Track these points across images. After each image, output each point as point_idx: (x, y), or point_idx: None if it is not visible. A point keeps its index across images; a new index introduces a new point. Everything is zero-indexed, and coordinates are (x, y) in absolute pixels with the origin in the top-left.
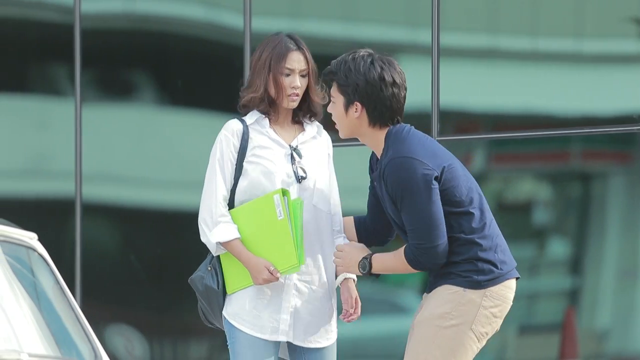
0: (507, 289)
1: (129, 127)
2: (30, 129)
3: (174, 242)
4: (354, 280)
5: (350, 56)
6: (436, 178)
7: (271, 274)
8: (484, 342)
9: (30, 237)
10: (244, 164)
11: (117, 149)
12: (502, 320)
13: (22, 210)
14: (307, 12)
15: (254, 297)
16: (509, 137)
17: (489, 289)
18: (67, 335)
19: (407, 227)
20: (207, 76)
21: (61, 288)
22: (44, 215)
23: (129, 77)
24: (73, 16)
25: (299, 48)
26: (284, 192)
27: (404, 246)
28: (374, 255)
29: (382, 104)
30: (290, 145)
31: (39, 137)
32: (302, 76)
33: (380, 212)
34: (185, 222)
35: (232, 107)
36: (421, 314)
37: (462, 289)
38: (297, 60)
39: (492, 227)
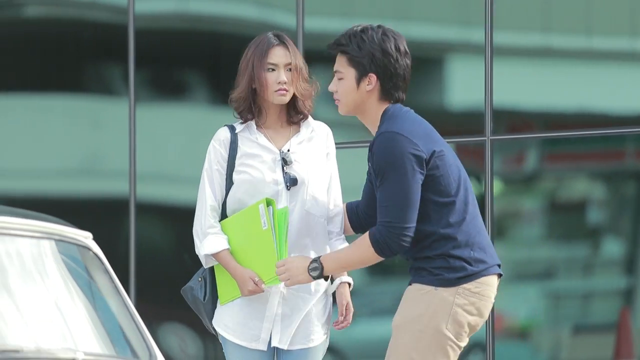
0: (484, 286)
1: (182, 127)
2: (84, 129)
3: None
4: (349, 284)
5: (360, 28)
6: (423, 160)
7: (256, 284)
8: (465, 341)
9: (85, 237)
10: (233, 173)
11: (171, 149)
12: (483, 318)
13: (76, 209)
14: (360, 11)
15: (241, 306)
16: (563, 137)
17: (461, 286)
18: (121, 334)
19: (381, 203)
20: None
21: (116, 287)
22: (99, 215)
23: (182, 77)
24: (127, 16)
25: (282, 43)
26: (269, 202)
27: (365, 234)
28: (323, 256)
29: (397, 75)
30: (280, 151)
31: (93, 137)
32: (289, 70)
33: (374, 197)
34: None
35: None
36: (396, 317)
37: (433, 287)
38: (279, 55)
39: (474, 223)
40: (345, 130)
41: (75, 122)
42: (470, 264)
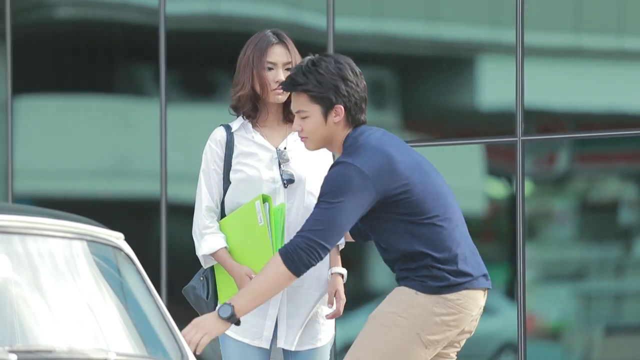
0: (466, 298)
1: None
2: (116, 130)
3: None
4: (342, 275)
5: (311, 62)
6: (372, 196)
7: None
8: (434, 350)
9: (116, 237)
10: (230, 173)
11: (202, 149)
12: (459, 330)
13: (108, 210)
14: (390, 12)
15: None
16: (594, 137)
17: (443, 295)
18: (153, 335)
19: (312, 215)
20: None
21: (147, 287)
22: (130, 215)
23: (213, 78)
24: (158, 17)
25: (281, 41)
26: (265, 198)
27: (274, 256)
28: (231, 298)
29: (361, 99)
30: (277, 149)
31: (124, 138)
32: (287, 69)
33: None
34: None
35: None
36: (373, 311)
37: (414, 291)
38: (278, 54)
39: (453, 237)
40: None
41: (107, 122)
42: (453, 275)
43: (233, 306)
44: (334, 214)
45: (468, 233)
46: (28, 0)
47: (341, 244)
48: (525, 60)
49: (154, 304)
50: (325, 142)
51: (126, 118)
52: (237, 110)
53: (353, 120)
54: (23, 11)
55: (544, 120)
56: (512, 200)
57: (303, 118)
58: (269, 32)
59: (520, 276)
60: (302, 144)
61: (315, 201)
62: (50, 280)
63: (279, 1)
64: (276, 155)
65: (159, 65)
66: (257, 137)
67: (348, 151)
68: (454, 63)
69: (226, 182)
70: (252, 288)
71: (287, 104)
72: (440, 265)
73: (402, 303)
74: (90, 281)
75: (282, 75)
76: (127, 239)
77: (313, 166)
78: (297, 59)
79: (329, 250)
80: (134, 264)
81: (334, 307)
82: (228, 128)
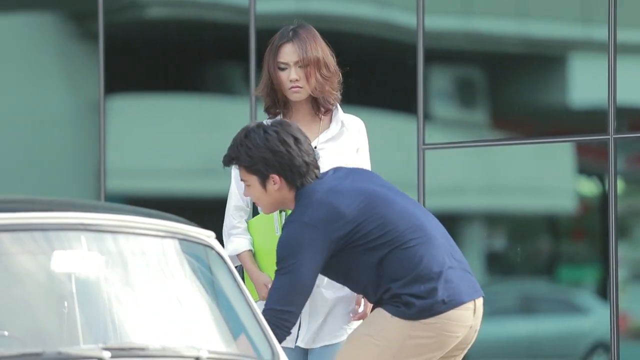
0: (447, 321)
1: None
2: (206, 129)
3: None
4: None
5: (243, 135)
6: (327, 244)
7: None
8: None
9: (207, 236)
10: None
11: None
12: (442, 352)
13: (198, 208)
14: (480, 9)
15: None
16: None
17: (419, 320)
18: (245, 333)
19: (272, 286)
20: (379, 75)
21: (238, 285)
22: (220, 214)
23: None
24: (248, 16)
25: (292, 39)
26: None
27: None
28: None
29: (295, 166)
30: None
31: (214, 137)
32: (301, 67)
33: None
34: None
35: (406, 105)
36: (352, 332)
37: (389, 315)
38: (288, 53)
39: (434, 257)
40: (459, 130)
41: (197, 122)
42: (428, 300)
43: None
44: (292, 277)
45: (455, 245)
46: (120, 1)
47: None
48: (618, 57)
49: (245, 302)
50: (278, 205)
51: (216, 117)
52: (269, 109)
53: (294, 184)
54: (115, 11)
55: (636, 118)
56: (603, 198)
57: (247, 187)
58: (287, 28)
59: (613, 275)
60: (335, 142)
61: None
62: (143, 278)
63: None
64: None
65: (249, 64)
66: None
67: (294, 211)
68: (544, 61)
69: None
70: None
71: (312, 100)
72: (408, 291)
73: (378, 325)
74: (181, 279)
75: (294, 74)
76: (218, 238)
77: (343, 165)
78: (311, 53)
79: (298, 313)
80: (225, 262)
81: (361, 308)
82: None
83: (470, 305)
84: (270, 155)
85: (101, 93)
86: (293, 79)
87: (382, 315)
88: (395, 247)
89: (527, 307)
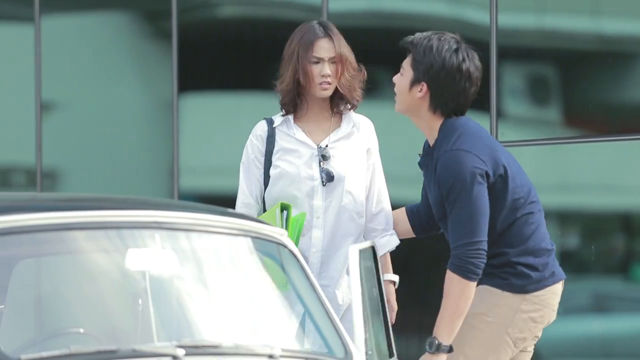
0: (551, 294)
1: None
2: None
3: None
4: (394, 282)
5: (437, 35)
6: (489, 176)
7: None
8: (520, 347)
9: (280, 234)
10: (270, 168)
11: None
12: (543, 326)
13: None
14: (554, 6)
15: None
16: None
17: (531, 294)
18: (318, 331)
19: (453, 226)
20: None
21: (311, 284)
22: None
23: (375, 75)
24: (320, 15)
25: (327, 35)
26: (285, 207)
27: (448, 276)
28: (434, 330)
29: (449, 94)
30: (318, 146)
31: None
32: (333, 63)
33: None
34: None
35: (479, 103)
36: None
37: (500, 290)
38: (325, 48)
39: (541, 229)
40: (532, 127)
41: None
42: (537, 270)
43: (436, 337)
44: (469, 211)
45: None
46: (193, 0)
47: (391, 246)
48: None
49: (318, 301)
50: (410, 112)
51: None
52: (284, 103)
53: (436, 106)
54: (188, 10)
55: None
56: None
57: (400, 75)
58: (315, 24)
59: None
60: (345, 142)
61: (352, 201)
62: (216, 276)
63: None
64: (317, 153)
65: None
66: (299, 133)
67: (449, 138)
68: (619, 57)
69: (267, 177)
70: (445, 312)
71: (333, 97)
72: (524, 261)
73: (489, 302)
74: (254, 277)
75: (327, 69)
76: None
77: (354, 165)
78: (343, 50)
79: (485, 242)
80: (298, 260)
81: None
82: (270, 122)
83: (562, 281)
84: (438, 68)
85: (174, 92)
86: (326, 74)
87: (490, 292)
88: (526, 213)
89: (601, 306)
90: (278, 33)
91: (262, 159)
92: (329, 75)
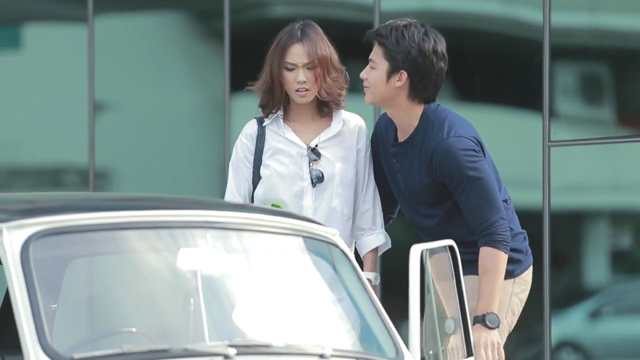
0: (530, 273)
1: None
2: None
3: None
4: (369, 280)
5: (402, 23)
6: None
7: None
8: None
9: (332, 233)
10: (260, 168)
11: None
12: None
13: None
14: (607, 5)
15: None
16: None
17: (519, 276)
18: (369, 331)
19: (470, 207)
20: (505, 72)
21: (363, 284)
22: None
23: None
24: (372, 15)
25: (301, 39)
26: (275, 207)
27: (481, 256)
28: (478, 309)
29: (428, 78)
30: (308, 146)
31: None
32: (309, 69)
33: (385, 189)
34: None
35: (531, 102)
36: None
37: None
38: (297, 54)
39: (514, 213)
40: (585, 127)
41: None
42: (523, 253)
43: (494, 313)
44: (490, 188)
45: None
46: (246, 0)
47: (374, 244)
48: None
49: (369, 300)
50: (384, 102)
51: None
52: (263, 105)
53: (414, 93)
54: (240, 10)
55: None
56: None
57: (371, 68)
58: (295, 27)
59: None
60: (335, 142)
61: (342, 202)
62: (267, 275)
63: None
64: (306, 153)
65: None
66: (289, 132)
67: (438, 125)
68: None
69: (256, 177)
70: (494, 289)
71: (321, 100)
72: (513, 246)
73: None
74: (305, 277)
75: (302, 76)
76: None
77: (344, 165)
78: (321, 52)
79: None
80: (349, 260)
81: None
82: (260, 122)
83: None
84: (416, 54)
85: (226, 92)
86: (301, 81)
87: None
88: (505, 199)
89: None
90: (330, 33)
91: (252, 158)
92: (305, 82)
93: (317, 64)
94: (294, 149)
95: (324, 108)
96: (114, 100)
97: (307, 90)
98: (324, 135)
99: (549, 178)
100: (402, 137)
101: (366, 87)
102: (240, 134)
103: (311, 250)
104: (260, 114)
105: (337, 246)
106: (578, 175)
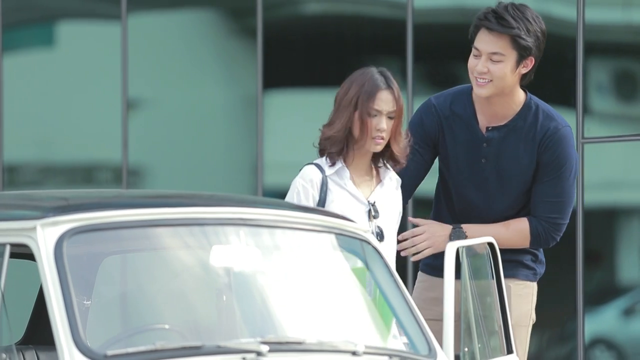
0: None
1: None
2: None
3: None
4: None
5: (515, 8)
6: None
7: None
8: None
9: (364, 231)
10: None
11: None
12: None
13: None
14: None
15: None
16: None
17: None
18: (401, 328)
19: (548, 197)
20: (538, 69)
21: (395, 281)
22: None
23: (459, 72)
24: (405, 11)
25: (389, 87)
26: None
27: (523, 221)
28: (465, 226)
29: (540, 59)
30: (368, 201)
31: None
32: (390, 118)
33: (416, 177)
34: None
35: (565, 99)
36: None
37: (530, 282)
38: (385, 101)
39: None
40: (619, 123)
41: None
42: (542, 265)
43: (466, 236)
44: (568, 189)
45: None
46: None
47: None
48: None
49: (401, 297)
50: (503, 91)
51: None
52: (323, 151)
53: (528, 77)
54: (273, 7)
55: None
56: None
57: (495, 61)
58: (376, 75)
59: None
60: (387, 199)
61: (389, 259)
62: (299, 272)
63: None
64: (368, 208)
65: (406, 59)
66: (350, 185)
67: (550, 114)
68: None
69: None
70: (490, 230)
71: (379, 152)
72: (540, 255)
73: (528, 297)
74: (338, 274)
75: (384, 124)
76: None
77: (393, 224)
78: (400, 103)
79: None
80: (381, 257)
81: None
82: (321, 169)
83: None
84: (542, 38)
85: (259, 88)
86: (381, 129)
87: (523, 286)
88: None
89: None
90: (363, 29)
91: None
92: (384, 130)
93: (398, 114)
94: (357, 204)
95: (384, 162)
96: (147, 98)
97: (382, 139)
98: (378, 192)
99: (582, 175)
100: (494, 121)
101: (486, 80)
102: (301, 179)
103: (343, 247)
104: (314, 159)
105: (369, 243)
106: (612, 172)
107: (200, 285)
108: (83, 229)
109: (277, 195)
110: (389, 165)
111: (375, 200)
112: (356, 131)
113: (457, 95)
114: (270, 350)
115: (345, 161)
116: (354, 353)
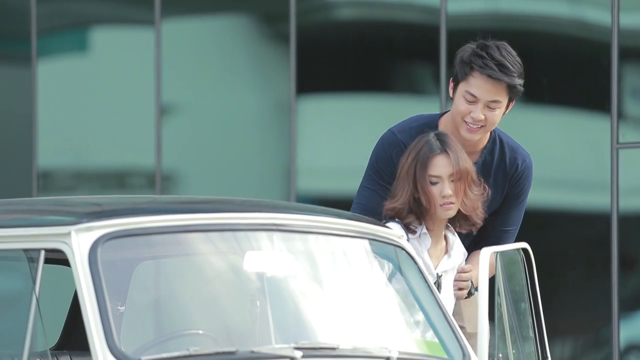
0: None
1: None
2: None
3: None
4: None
5: (505, 47)
6: None
7: None
8: None
9: (398, 236)
10: None
11: None
12: None
13: None
14: None
15: None
16: None
17: None
18: (435, 334)
19: (509, 227)
20: (573, 74)
21: (429, 287)
22: None
23: None
24: (439, 17)
25: (444, 151)
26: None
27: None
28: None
29: None
30: (437, 274)
31: None
32: (453, 181)
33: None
34: (553, 219)
35: (599, 104)
36: None
37: None
38: (441, 165)
39: None
40: None
41: (387, 122)
42: None
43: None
44: (522, 214)
45: None
46: (312, 2)
47: None
48: None
49: (435, 303)
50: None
51: (405, 117)
52: (403, 221)
53: None
54: (306, 13)
55: None
56: None
57: (492, 108)
58: (432, 138)
59: None
60: (450, 273)
61: None
62: (333, 278)
63: None
64: (435, 280)
65: (439, 64)
66: (426, 256)
67: (515, 146)
68: None
69: None
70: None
71: (452, 217)
72: None
73: None
74: (372, 280)
75: (448, 189)
76: None
77: (450, 303)
78: (463, 166)
79: None
80: (415, 263)
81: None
82: (406, 231)
83: None
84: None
85: (292, 94)
86: (447, 195)
87: None
88: None
89: None
90: (396, 35)
91: None
92: (450, 195)
93: (460, 176)
94: (427, 275)
95: (460, 227)
96: (180, 103)
97: (452, 203)
98: (446, 262)
99: (617, 180)
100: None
101: (481, 126)
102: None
103: (377, 253)
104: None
105: (403, 249)
106: None
107: (233, 291)
108: (117, 235)
109: (310, 201)
110: (464, 230)
111: (442, 273)
112: (424, 201)
113: (422, 129)
114: (303, 356)
115: (427, 227)
116: (387, 359)
